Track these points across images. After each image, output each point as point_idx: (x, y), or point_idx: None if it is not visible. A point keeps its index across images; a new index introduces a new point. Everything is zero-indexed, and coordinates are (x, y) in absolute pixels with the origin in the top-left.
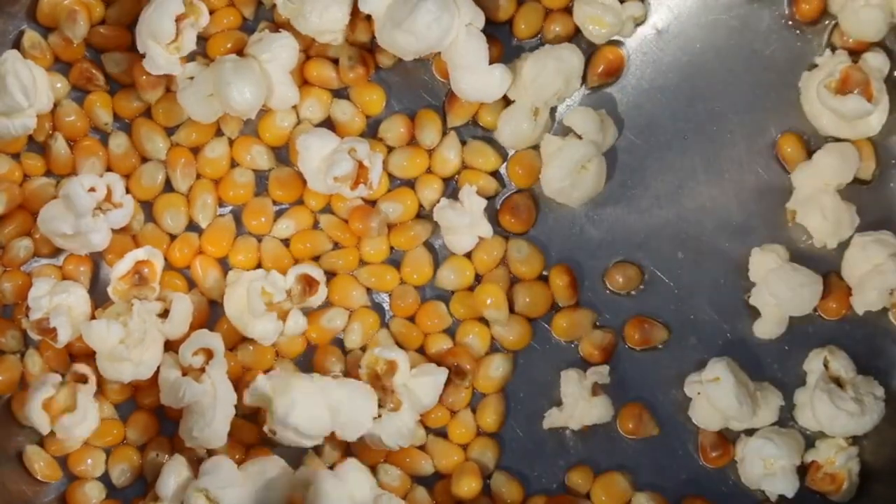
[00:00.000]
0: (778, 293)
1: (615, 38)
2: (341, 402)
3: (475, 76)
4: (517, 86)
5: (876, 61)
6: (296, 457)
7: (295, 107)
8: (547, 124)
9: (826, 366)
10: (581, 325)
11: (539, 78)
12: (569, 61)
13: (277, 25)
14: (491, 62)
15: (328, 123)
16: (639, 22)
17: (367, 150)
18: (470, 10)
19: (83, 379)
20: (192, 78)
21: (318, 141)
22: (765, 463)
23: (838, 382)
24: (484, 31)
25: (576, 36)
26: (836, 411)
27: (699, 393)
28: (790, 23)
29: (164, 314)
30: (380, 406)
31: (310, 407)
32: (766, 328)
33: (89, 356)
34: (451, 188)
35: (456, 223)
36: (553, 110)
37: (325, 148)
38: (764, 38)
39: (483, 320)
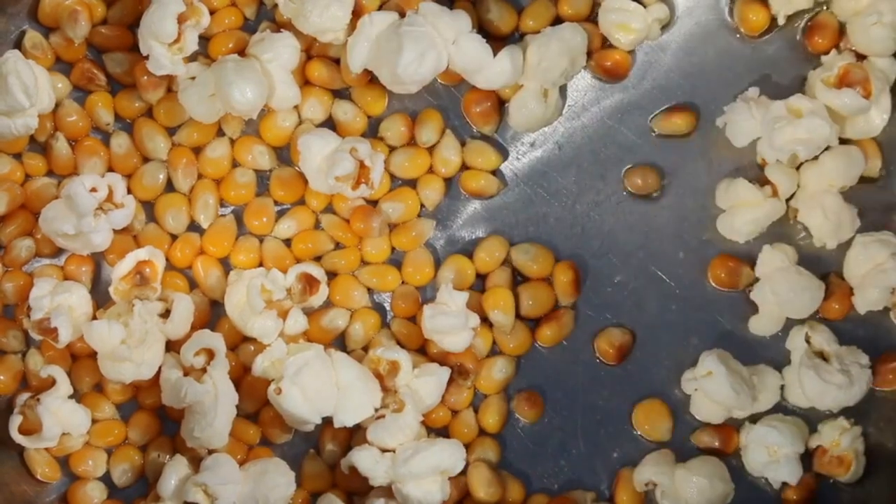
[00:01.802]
0: (779, 293)
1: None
2: (350, 382)
3: (487, 72)
4: (524, 71)
5: (883, 63)
6: (297, 457)
7: (296, 107)
8: (558, 103)
9: (808, 341)
10: (567, 327)
11: (544, 61)
12: (572, 40)
13: (279, 25)
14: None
15: (329, 123)
16: (664, 24)
17: (368, 149)
18: (451, 22)
19: (49, 384)
20: (193, 78)
21: (320, 141)
22: (768, 451)
23: (822, 356)
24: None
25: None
26: (824, 385)
27: (696, 389)
28: (791, 23)
29: (166, 314)
30: (383, 406)
31: (320, 374)
32: (762, 325)
33: (91, 356)
34: (451, 188)
35: (450, 325)
36: (563, 88)
37: (326, 148)
38: (765, 37)
39: (485, 320)
